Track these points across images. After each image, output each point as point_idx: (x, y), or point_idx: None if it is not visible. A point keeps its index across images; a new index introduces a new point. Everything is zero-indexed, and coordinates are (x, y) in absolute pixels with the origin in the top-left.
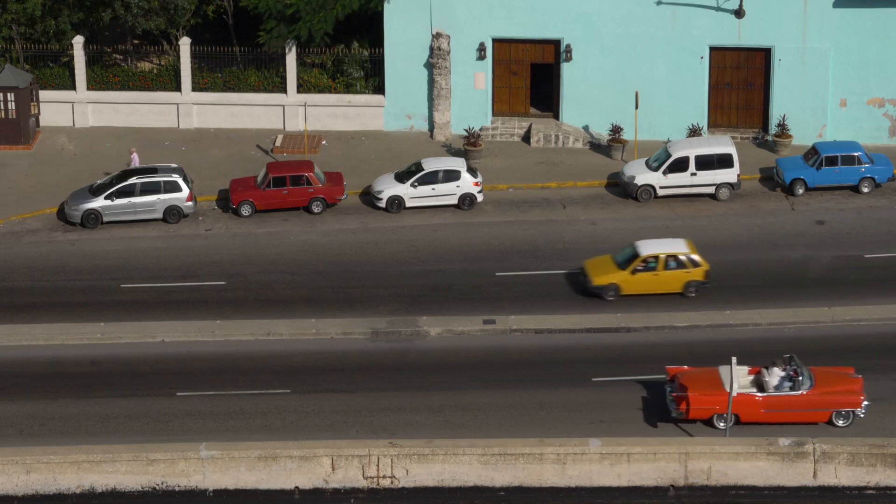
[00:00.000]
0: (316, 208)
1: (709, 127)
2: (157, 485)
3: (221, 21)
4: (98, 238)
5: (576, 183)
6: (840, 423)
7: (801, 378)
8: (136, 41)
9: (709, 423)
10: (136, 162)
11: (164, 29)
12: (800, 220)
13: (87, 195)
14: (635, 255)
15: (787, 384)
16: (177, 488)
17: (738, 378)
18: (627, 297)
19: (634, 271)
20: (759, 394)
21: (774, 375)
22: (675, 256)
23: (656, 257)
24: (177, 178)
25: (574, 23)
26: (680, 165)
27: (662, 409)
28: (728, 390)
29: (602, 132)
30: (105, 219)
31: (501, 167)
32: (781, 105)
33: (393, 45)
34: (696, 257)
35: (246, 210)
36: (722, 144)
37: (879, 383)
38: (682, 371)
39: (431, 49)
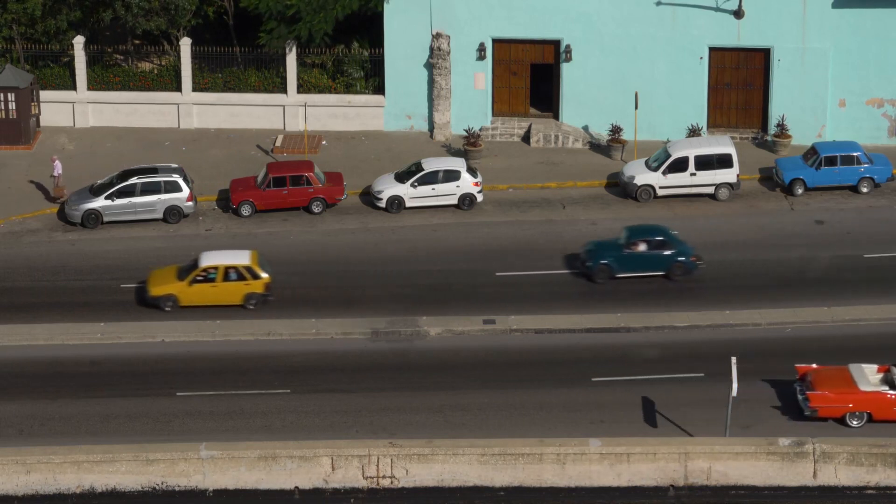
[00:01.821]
0: (316, 208)
1: (708, 127)
2: (157, 485)
3: (222, 21)
4: (98, 238)
5: (576, 183)
6: None
7: None
8: (136, 41)
9: (841, 421)
10: (58, 170)
11: (165, 29)
12: (799, 220)
13: (87, 195)
14: (195, 266)
15: None
16: (177, 488)
17: (868, 376)
18: (186, 307)
19: (193, 282)
20: (890, 391)
21: None
22: (235, 268)
23: (216, 268)
24: (177, 178)
25: (574, 23)
26: (679, 165)
27: (662, 409)
28: (863, 389)
29: (602, 132)
30: (105, 219)
31: (501, 167)
32: (781, 105)
33: (393, 46)
34: (257, 270)
35: (246, 210)
36: (721, 144)
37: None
38: (813, 369)
39: (431, 49)
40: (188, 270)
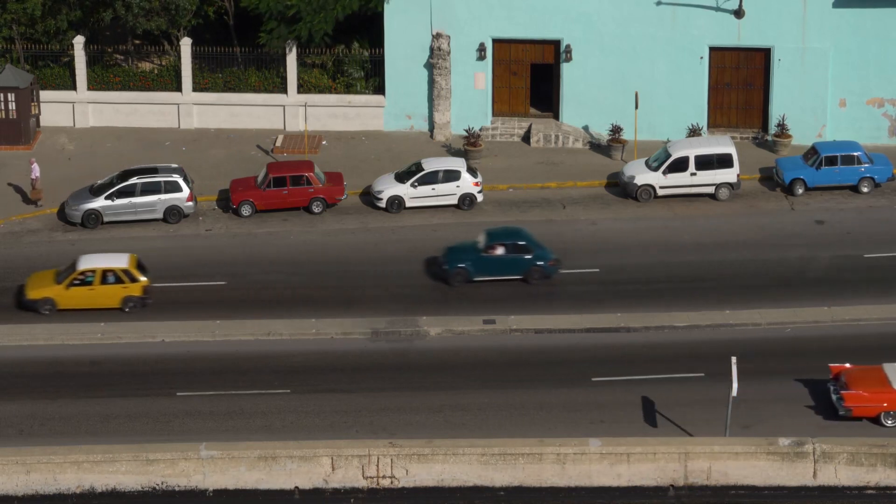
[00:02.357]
0: (316, 208)
1: (709, 127)
2: (157, 485)
3: (222, 21)
4: (98, 238)
5: (576, 183)
6: None
7: None
8: (136, 41)
9: (876, 420)
10: (36, 172)
11: (165, 29)
12: (799, 220)
13: (87, 195)
14: (73, 269)
15: None
16: (177, 488)
17: None
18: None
19: (70, 285)
20: None
21: None
22: (112, 271)
23: (94, 271)
24: (177, 178)
25: (574, 23)
26: (680, 165)
27: (662, 409)
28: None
29: (602, 132)
30: (105, 219)
31: (501, 167)
32: (781, 105)
33: (393, 46)
34: (135, 273)
35: (246, 210)
36: (722, 144)
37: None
38: (847, 369)
39: (431, 49)
40: (66, 274)
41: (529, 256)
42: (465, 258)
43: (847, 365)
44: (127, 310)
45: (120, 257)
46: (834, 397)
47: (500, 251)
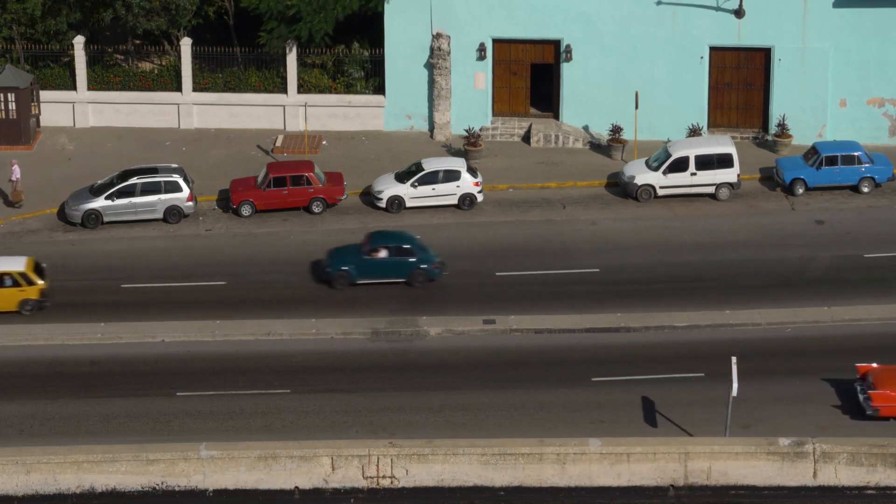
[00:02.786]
0: (316, 208)
1: (709, 127)
2: (157, 485)
3: (222, 21)
4: (98, 238)
5: (576, 183)
6: None
7: None
8: (136, 41)
9: None
10: (16, 174)
11: (165, 29)
12: (800, 220)
13: (87, 195)
14: None
15: None
16: (177, 488)
17: None
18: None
19: None
20: None
21: None
22: (9, 274)
23: None
24: (177, 178)
25: (574, 23)
26: (680, 165)
27: (662, 409)
28: None
29: (602, 132)
30: (105, 219)
31: (501, 167)
32: (781, 105)
33: (393, 46)
34: (32, 276)
35: (246, 210)
36: (722, 144)
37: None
38: (874, 369)
39: (431, 49)
40: None
41: (413, 259)
42: (348, 261)
43: (874, 364)
44: (25, 312)
45: (17, 260)
46: (861, 397)
47: (382, 254)
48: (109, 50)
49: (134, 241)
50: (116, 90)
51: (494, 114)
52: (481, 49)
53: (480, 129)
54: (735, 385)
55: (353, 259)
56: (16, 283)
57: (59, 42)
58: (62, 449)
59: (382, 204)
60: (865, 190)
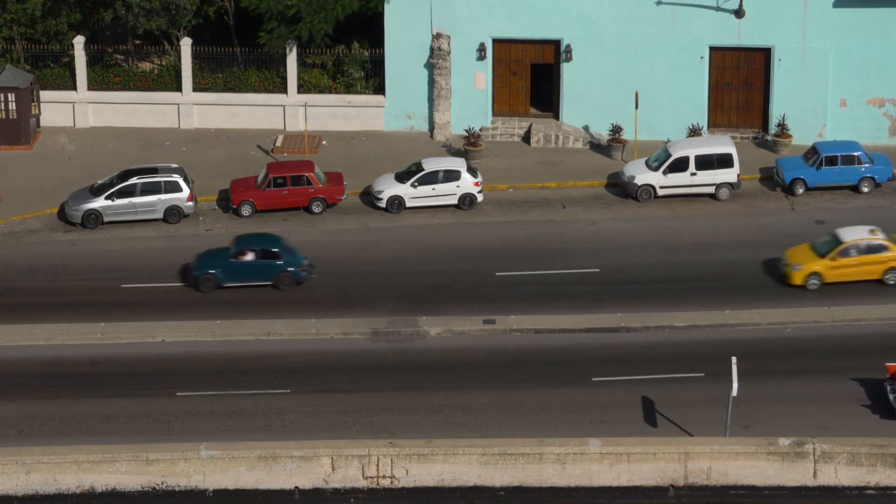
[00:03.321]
0: (316, 208)
1: (709, 127)
2: (157, 485)
3: (222, 21)
4: (98, 238)
5: (576, 183)
6: None
7: None
8: (137, 41)
9: None
10: None
11: (166, 29)
12: (800, 220)
13: (87, 195)
14: None
15: None
16: (177, 488)
17: None
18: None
19: None
20: None
21: None
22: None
23: None
24: (177, 178)
25: (574, 23)
26: (680, 165)
27: (662, 409)
28: None
29: (602, 132)
30: (105, 219)
31: (501, 167)
32: (781, 105)
33: (393, 46)
34: None
35: (246, 210)
36: (722, 144)
37: (881, 383)
38: None
39: (431, 49)
40: None
41: (280, 262)
42: (214, 264)
43: None
44: None
45: None
46: (891, 397)
47: (249, 257)
48: (109, 50)
49: (134, 241)
50: (116, 90)
51: (494, 114)
52: (481, 49)
53: (480, 129)
54: (735, 385)
55: (220, 262)
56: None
57: (60, 42)
58: (62, 449)
59: (382, 204)
60: (865, 190)
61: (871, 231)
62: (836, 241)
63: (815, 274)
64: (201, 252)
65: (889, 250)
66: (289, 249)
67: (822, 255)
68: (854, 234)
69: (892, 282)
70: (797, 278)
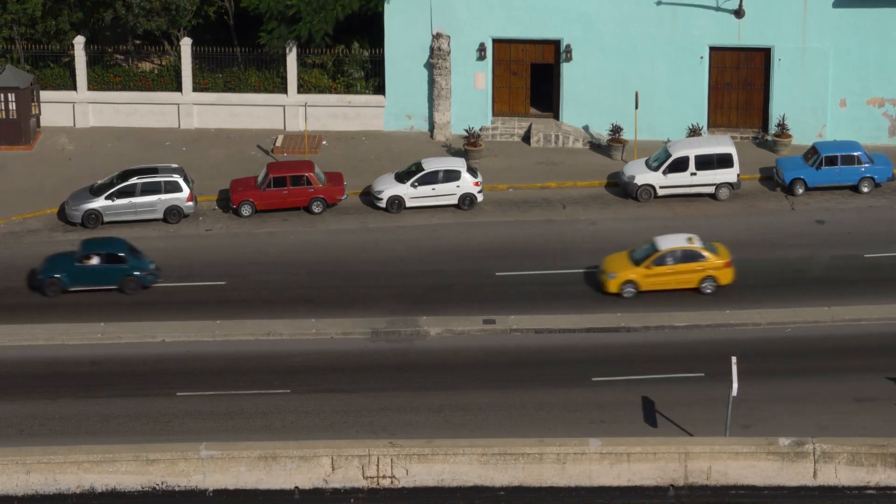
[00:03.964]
0: (316, 208)
1: (709, 127)
2: (157, 485)
3: (222, 21)
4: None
5: (576, 183)
6: None
7: None
8: (137, 41)
9: None
10: None
11: (166, 29)
12: (800, 220)
13: (87, 195)
14: None
15: None
16: (177, 488)
17: None
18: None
19: None
20: None
21: None
22: None
23: None
24: (177, 178)
25: (574, 23)
26: (680, 165)
27: (662, 409)
28: None
29: (602, 132)
30: (106, 219)
31: (501, 167)
32: (781, 105)
33: (393, 46)
34: None
35: (246, 210)
36: (722, 144)
37: (879, 383)
38: None
39: (431, 49)
40: None
41: (125, 266)
42: (59, 268)
43: None
44: None
45: None
46: None
47: (94, 261)
48: (109, 50)
49: (134, 241)
50: (116, 90)
51: (494, 114)
52: (481, 49)
53: (480, 129)
54: (735, 385)
55: (65, 266)
56: None
57: (60, 42)
58: (62, 449)
59: (382, 204)
60: (865, 190)
61: (689, 239)
62: (653, 249)
63: (630, 282)
64: (48, 255)
65: (706, 259)
66: (134, 254)
67: (638, 263)
68: (671, 242)
69: (709, 290)
70: (612, 286)
